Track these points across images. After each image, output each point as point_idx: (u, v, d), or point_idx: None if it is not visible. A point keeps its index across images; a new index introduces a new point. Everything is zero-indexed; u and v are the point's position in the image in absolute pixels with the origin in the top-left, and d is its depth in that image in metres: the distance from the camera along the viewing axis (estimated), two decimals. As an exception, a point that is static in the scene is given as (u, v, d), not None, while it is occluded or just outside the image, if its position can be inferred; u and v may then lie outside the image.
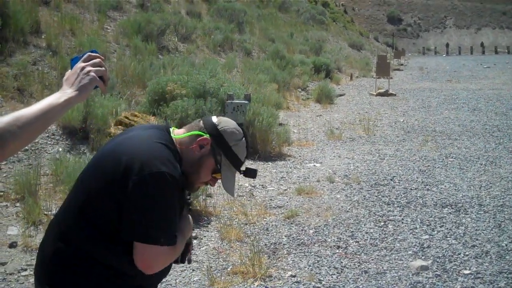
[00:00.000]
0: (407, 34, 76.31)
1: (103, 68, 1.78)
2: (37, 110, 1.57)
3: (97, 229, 1.85)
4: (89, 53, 1.80)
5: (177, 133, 2.06)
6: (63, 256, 1.86)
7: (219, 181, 2.12)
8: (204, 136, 2.02)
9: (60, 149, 6.68)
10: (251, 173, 2.16)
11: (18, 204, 5.38)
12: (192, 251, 2.21)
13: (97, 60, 1.79)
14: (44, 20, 10.06)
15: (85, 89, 1.72)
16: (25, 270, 4.39)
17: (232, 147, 2.05)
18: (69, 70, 1.76)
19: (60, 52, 9.23)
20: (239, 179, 7.26)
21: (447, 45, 69.13)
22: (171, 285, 4.28)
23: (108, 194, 1.83)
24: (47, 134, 6.87)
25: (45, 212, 5.21)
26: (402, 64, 37.53)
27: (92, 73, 1.74)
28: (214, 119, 2.09)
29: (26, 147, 6.32)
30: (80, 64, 1.76)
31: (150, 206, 1.82)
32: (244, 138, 2.09)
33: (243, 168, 2.13)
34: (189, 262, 2.17)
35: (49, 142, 6.75)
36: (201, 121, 2.09)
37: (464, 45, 70.47)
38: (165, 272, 2.05)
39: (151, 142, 1.91)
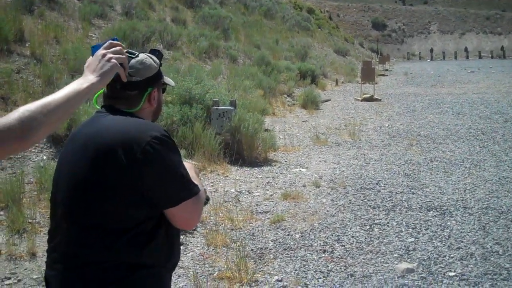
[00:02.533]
0: (391, 39, 76.94)
1: (124, 56, 1.85)
2: (61, 97, 1.60)
3: (118, 227, 1.80)
4: (110, 41, 1.85)
5: (130, 108, 2.01)
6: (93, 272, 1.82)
7: None
8: (150, 92, 2.04)
9: (45, 157, 6.64)
10: (159, 57, 2.15)
11: (2, 213, 5.34)
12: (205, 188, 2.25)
13: (118, 47, 1.84)
14: (28, 29, 10.02)
15: (107, 75, 1.77)
16: (9, 278, 4.35)
17: (156, 71, 2.06)
18: (90, 57, 1.81)
19: (45, 60, 9.18)
20: (225, 185, 7.27)
21: (432, 50, 69.76)
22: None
23: (123, 181, 1.79)
24: (31, 142, 6.82)
25: (29, 220, 5.17)
26: (387, 70, 37.79)
27: (113, 60, 1.79)
28: (133, 77, 2.01)
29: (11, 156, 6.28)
30: (101, 51, 1.81)
31: (167, 167, 1.84)
32: (140, 54, 2.05)
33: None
34: (208, 200, 2.21)
35: (33, 150, 6.71)
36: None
37: (448, 50, 71.16)
38: (179, 254, 2.08)
39: (131, 119, 1.92)
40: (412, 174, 7.96)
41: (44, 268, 1.96)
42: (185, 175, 1.90)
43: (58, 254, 1.89)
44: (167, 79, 2.17)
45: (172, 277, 4.29)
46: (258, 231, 5.68)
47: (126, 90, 1.98)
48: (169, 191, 1.85)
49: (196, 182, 1.98)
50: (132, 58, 2.01)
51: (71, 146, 1.96)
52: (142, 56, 2.03)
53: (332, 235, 5.53)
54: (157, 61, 2.09)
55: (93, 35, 12.27)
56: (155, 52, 2.12)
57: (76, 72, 9.26)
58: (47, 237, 1.98)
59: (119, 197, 1.80)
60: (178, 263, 4.62)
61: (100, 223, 1.81)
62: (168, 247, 1.95)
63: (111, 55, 1.81)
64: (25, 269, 4.52)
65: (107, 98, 2.01)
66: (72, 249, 1.84)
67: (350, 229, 5.72)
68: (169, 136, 1.91)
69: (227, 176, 7.81)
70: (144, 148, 1.80)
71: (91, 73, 1.75)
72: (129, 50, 2.05)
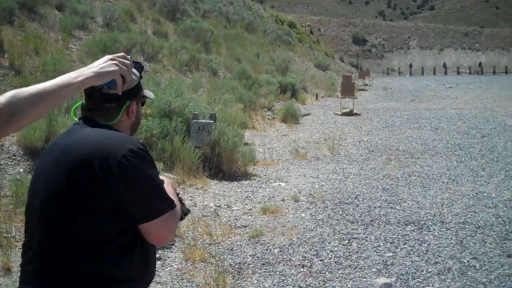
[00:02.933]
0: (371, 54, 77.66)
1: (129, 71, 1.85)
2: (52, 88, 1.60)
3: (93, 240, 1.79)
4: (124, 54, 1.87)
5: (108, 121, 2.00)
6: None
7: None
8: (129, 105, 2.02)
9: (21, 170, 6.56)
10: (140, 69, 2.14)
11: (-23, 226, 5.25)
12: (184, 201, 2.24)
13: (128, 62, 1.85)
14: (7, 39, 9.94)
15: (103, 75, 1.75)
16: (-17, 293, 4.28)
17: (136, 84, 2.05)
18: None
19: (23, 71, 9.11)
20: (204, 199, 7.25)
21: (411, 65, 70.58)
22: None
23: (98, 194, 1.78)
24: (8, 155, 6.75)
25: (5, 235, 5.09)
26: (366, 84, 38.13)
27: (117, 67, 1.79)
28: (112, 89, 1.98)
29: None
30: (110, 56, 1.81)
31: (143, 180, 1.83)
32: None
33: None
34: (186, 213, 2.21)
35: (9, 163, 6.63)
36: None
37: (427, 66, 72.06)
38: (154, 268, 2.07)
39: (107, 132, 1.90)
40: (390, 189, 8.02)
41: (19, 283, 1.93)
42: (161, 189, 1.90)
43: (31, 267, 1.87)
44: (147, 92, 2.16)
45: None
46: (237, 245, 5.67)
47: (105, 103, 1.96)
48: (144, 205, 1.84)
49: (172, 197, 1.98)
50: None
51: (47, 157, 1.95)
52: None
53: (311, 250, 5.54)
54: (137, 73, 2.07)
55: (73, 46, 12.22)
56: (135, 64, 2.09)
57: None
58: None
59: (94, 210, 1.78)
60: (156, 279, 4.56)
61: (74, 236, 1.79)
62: (144, 262, 1.93)
63: (117, 62, 1.81)
64: (0, 284, 4.45)
65: (85, 110, 2.00)
66: (46, 262, 1.82)
67: (329, 243, 5.73)
68: (146, 150, 1.90)
69: (206, 190, 7.79)
70: (120, 161, 1.79)
71: (88, 68, 1.74)
72: None
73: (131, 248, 1.86)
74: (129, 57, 1.90)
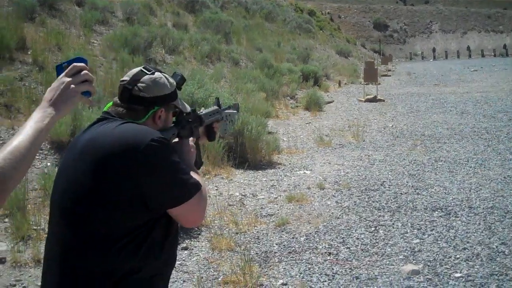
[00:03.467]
0: (393, 40, 76.84)
1: (88, 83, 1.72)
2: (26, 143, 1.53)
3: (110, 233, 1.80)
4: (74, 64, 1.72)
5: (134, 119, 2.00)
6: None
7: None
8: (156, 111, 2.02)
9: (49, 163, 6.65)
10: (181, 81, 2.15)
11: (6, 220, 5.34)
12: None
13: (82, 74, 1.72)
14: (30, 36, 10.04)
15: (66, 107, 1.68)
16: (14, 286, 4.35)
17: (169, 92, 2.04)
18: (54, 82, 1.70)
19: (47, 67, 9.20)
20: (229, 189, 7.26)
21: (434, 49, 69.71)
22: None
23: (122, 186, 1.79)
24: (35, 150, 6.83)
25: (34, 227, 5.17)
26: (389, 70, 37.72)
27: (75, 90, 1.69)
28: (142, 92, 1.99)
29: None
30: (62, 79, 1.69)
31: (167, 168, 1.85)
32: (156, 72, 2.04)
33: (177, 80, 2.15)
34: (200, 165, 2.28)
35: (37, 157, 6.72)
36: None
37: (451, 49, 71.11)
38: (174, 260, 2.09)
39: (128, 125, 1.91)
40: (416, 175, 7.94)
41: None
42: (186, 174, 1.91)
43: (52, 261, 1.90)
44: (182, 104, 2.16)
45: (177, 282, 4.28)
46: (262, 234, 5.67)
47: (133, 104, 1.99)
48: (171, 191, 1.86)
49: (196, 177, 1.99)
50: (147, 74, 2.01)
51: (71, 152, 1.96)
52: (157, 74, 2.03)
53: (337, 238, 5.51)
54: (173, 82, 2.08)
55: (95, 41, 12.30)
56: (177, 75, 2.14)
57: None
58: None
59: (117, 202, 1.79)
60: (183, 268, 4.59)
61: (95, 229, 1.81)
62: (163, 254, 1.94)
63: (73, 86, 1.68)
64: (30, 276, 4.52)
65: (115, 105, 2.03)
66: (65, 256, 1.84)
67: (355, 231, 5.70)
68: (167, 139, 1.92)
69: (231, 179, 7.81)
70: (143, 151, 1.80)
71: (49, 104, 1.65)
72: (146, 66, 2.06)
73: (150, 240, 1.86)
74: (79, 60, 1.75)
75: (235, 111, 2.76)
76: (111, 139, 1.84)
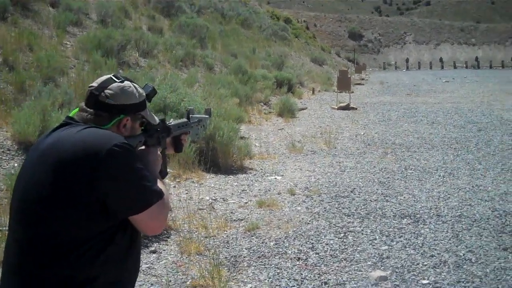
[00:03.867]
0: (368, 49, 77.65)
1: None
2: None
3: (70, 238, 1.78)
4: None
5: (97, 125, 1.98)
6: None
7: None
8: (121, 119, 2.00)
9: (16, 164, 6.53)
10: (151, 93, 2.15)
11: (-30, 221, 5.23)
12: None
13: None
14: (1, 36, 9.89)
15: None
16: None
17: (136, 102, 2.03)
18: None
19: (17, 67, 9.07)
20: (200, 193, 7.23)
21: (407, 60, 70.64)
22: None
23: (83, 190, 1.77)
24: (2, 150, 6.72)
25: (0, 228, 5.07)
26: (363, 79, 38.11)
27: None
28: (108, 99, 1.98)
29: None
30: None
31: (129, 173, 1.83)
32: (126, 81, 2.03)
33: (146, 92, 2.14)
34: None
35: (4, 158, 6.60)
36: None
37: (424, 60, 72.16)
38: (138, 267, 2.07)
39: (92, 129, 1.89)
40: (386, 182, 8.00)
41: None
42: (148, 181, 1.89)
43: (10, 265, 1.87)
44: (150, 115, 2.13)
45: (144, 285, 4.23)
46: (232, 239, 5.65)
47: (98, 109, 1.97)
48: (132, 197, 1.84)
49: (160, 185, 1.96)
50: (116, 82, 1.99)
51: (32, 155, 1.95)
52: (126, 83, 2.02)
53: (307, 243, 5.52)
54: (143, 93, 2.07)
55: (68, 42, 12.17)
56: (149, 87, 2.13)
57: (49, 79, 9.17)
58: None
59: (76, 207, 1.77)
60: (151, 271, 4.54)
61: (54, 234, 1.78)
62: (126, 261, 1.93)
63: None
64: (-7, 278, 4.42)
65: (80, 110, 2.00)
66: (23, 260, 1.81)
67: (325, 236, 5.71)
68: (130, 144, 1.90)
69: (202, 183, 7.77)
70: (105, 155, 1.78)
71: None
72: (116, 74, 2.05)
73: (111, 246, 1.84)
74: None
75: (207, 116, 2.78)
76: (73, 143, 1.82)
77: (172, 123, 2.38)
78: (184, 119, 2.52)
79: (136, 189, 1.84)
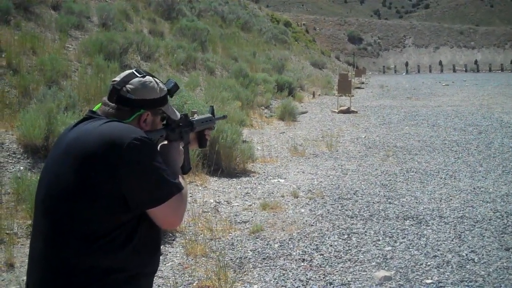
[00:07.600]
0: (367, 53, 77.73)
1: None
2: None
3: (92, 230, 1.82)
4: None
5: (119, 119, 2.02)
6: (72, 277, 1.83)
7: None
8: (142, 114, 2.04)
9: (22, 167, 6.57)
10: (173, 88, 2.18)
11: (-22, 224, 5.27)
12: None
13: None
14: (4, 39, 9.95)
15: None
16: (-14, 289, 4.30)
17: (157, 97, 2.07)
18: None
19: (21, 70, 9.12)
20: (204, 195, 7.28)
21: (407, 63, 70.71)
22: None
23: (104, 183, 1.81)
24: (8, 153, 6.76)
25: (7, 231, 5.11)
26: (363, 82, 38.17)
27: None
28: (129, 93, 2.02)
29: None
30: None
31: (148, 166, 1.87)
32: (147, 76, 2.07)
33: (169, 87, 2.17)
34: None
35: (10, 161, 6.64)
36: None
37: (423, 64, 72.23)
38: (158, 259, 2.10)
39: (112, 123, 1.93)
40: (388, 185, 8.05)
41: (23, 278, 1.96)
42: (167, 174, 1.92)
43: (35, 257, 1.92)
44: (171, 110, 2.17)
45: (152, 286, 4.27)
46: (237, 241, 5.70)
47: (120, 104, 2.01)
48: (151, 190, 1.87)
49: (180, 179, 2.01)
50: (137, 77, 2.04)
51: (56, 150, 1.99)
52: (147, 78, 2.05)
53: (311, 244, 5.57)
54: (164, 88, 2.10)
55: (70, 46, 12.21)
56: (171, 82, 2.16)
57: (53, 82, 9.21)
58: (25, 247, 1.98)
59: (99, 199, 1.81)
60: (157, 273, 4.57)
61: (77, 226, 1.82)
62: (146, 252, 1.96)
63: None
64: (3, 280, 4.47)
65: (103, 104, 2.05)
66: (48, 252, 1.86)
67: (329, 238, 5.76)
68: (150, 138, 1.94)
69: (206, 186, 7.82)
70: (125, 149, 1.82)
71: None
72: (138, 69, 2.09)
73: (132, 238, 1.88)
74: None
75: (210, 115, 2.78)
76: (95, 137, 1.86)
77: (196, 119, 2.40)
78: (208, 114, 2.54)
79: (155, 181, 1.88)
